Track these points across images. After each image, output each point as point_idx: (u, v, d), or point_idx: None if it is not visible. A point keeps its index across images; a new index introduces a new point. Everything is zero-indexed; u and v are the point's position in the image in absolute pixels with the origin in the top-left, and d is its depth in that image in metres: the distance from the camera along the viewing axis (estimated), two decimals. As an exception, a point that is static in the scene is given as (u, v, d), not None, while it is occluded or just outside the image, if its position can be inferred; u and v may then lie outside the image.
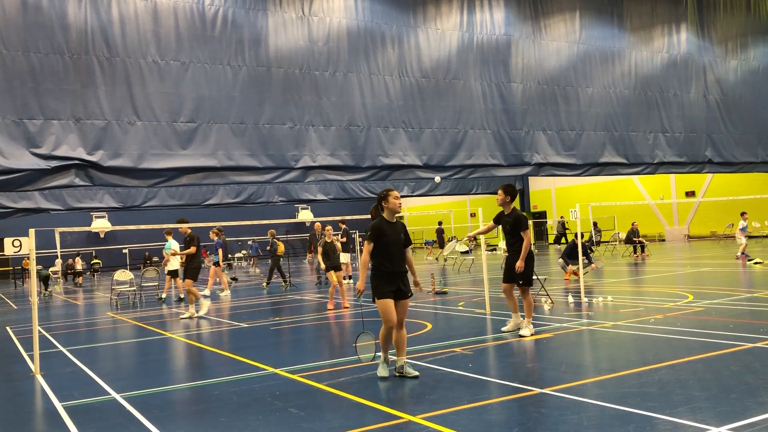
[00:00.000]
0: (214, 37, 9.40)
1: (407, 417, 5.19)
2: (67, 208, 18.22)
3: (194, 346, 9.88)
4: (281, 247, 19.89)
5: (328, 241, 13.27)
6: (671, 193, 34.62)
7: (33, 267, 8.60)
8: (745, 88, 14.40)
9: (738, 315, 9.34)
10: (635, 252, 24.20)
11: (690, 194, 33.42)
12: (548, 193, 41.95)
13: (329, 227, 13.49)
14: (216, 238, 17.84)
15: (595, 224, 29.25)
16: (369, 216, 6.89)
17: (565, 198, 39.84)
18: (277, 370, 7.31)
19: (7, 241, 8.21)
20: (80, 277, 29.56)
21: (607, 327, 8.98)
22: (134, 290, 17.77)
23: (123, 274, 17.92)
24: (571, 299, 11.85)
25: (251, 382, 6.89)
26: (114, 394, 6.64)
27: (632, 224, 25.07)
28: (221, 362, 8.49)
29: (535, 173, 12.24)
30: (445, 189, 22.58)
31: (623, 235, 27.49)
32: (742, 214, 20.94)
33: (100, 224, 35.57)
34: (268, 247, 20.01)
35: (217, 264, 17.67)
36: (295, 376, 7.01)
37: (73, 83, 8.40)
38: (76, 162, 8.38)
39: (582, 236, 13.15)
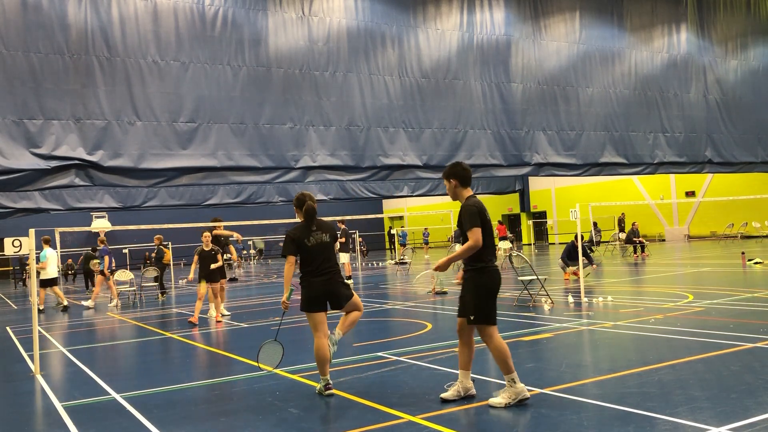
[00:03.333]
0: (214, 37, 9.41)
1: (407, 417, 5.19)
2: (67, 208, 18.24)
3: (194, 346, 9.88)
4: (168, 255, 18.48)
5: (206, 249, 12.20)
6: (671, 193, 34.61)
7: (33, 267, 8.60)
8: (745, 88, 14.41)
9: (738, 315, 9.34)
10: (635, 252, 24.20)
11: (690, 194, 33.41)
12: (548, 193, 41.94)
13: (207, 234, 12.41)
14: (102, 246, 17.50)
15: (595, 224, 29.25)
16: (368, 216, 6.79)
17: (565, 198, 39.83)
18: (277, 370, 7.31)
19: (7, 241, 8.20)
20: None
21: (607, 327, 8.97)
22: (134, 290, 17.77)
23: (123, 274, 17.91)
24: (571, 299, 11.85)
25: (251, 382, 6.89)
26: (114, 394, 6.64)
27: (632, 224, 25.07)
28: (221, 362, 8.48)
29: (535, 173, 12.25)
30: (445, 189, 22.60)
31: (623, 235, 27.49)
32: None
33: (100, 224, 35.60)
34: (154, 254, 18.50)
35: (103, 273, 17.11)
36: (295, 376, 7.00)
37: (73, 83, 8.41)
38: (76, 162, 8.39)
39: (582, 237, 13.15)
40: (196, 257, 12.44)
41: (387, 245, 48.61)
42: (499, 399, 5.28)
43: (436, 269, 5.61)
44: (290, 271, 6.12)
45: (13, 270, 33.94)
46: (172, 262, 25.12)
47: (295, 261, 6.19)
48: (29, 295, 12.32)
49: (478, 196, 5.67)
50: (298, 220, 6.31)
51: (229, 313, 12.97)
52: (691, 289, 12.70)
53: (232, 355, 8.81)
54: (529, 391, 5.67)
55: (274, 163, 9.74)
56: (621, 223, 31.29)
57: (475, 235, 5.28)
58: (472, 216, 5.36)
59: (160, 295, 17.79)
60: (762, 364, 6.22)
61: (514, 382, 5.26)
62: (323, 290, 6.09)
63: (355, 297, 6.32)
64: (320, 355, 6.05)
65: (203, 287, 12.12)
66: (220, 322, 12.12)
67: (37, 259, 16.49)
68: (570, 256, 15.60)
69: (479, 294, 5.33)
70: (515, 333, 8.78)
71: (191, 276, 12.55)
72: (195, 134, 9.19)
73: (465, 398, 5.59)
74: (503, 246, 24.60)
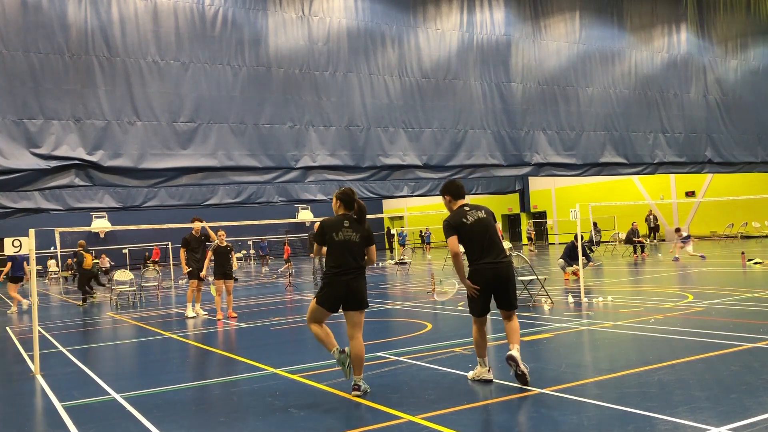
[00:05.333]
0: (214, 37, 9.40)
1: (407, 417, 5.19)
2: (67, 208, 18.21)
3: (194, 346, 9.88)
4: (88, 260, 17.90)
5: (222, 245, 12.46)
6: (671, 193, 34.62)
7: (33, 267, 8.60)
8: (745, 88, 14.40)
9: (738, 315, 9.34)
10: (635, 252, 24.21)
11: (690, 194, 33.41)
12: (548, 193, 41.93)
13: (222, 232, 12.57)
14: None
15: (594, 224, 29.24)
16: (368, 216, 6.68)
17: (565, 198, 39.83)
18: (277, 370, 7.31)
19: (7, 241, 8.18)
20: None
21: (607, 327, 8.98)
22: (134, 290, 17.77)
23: (123, 274, 17.92)
24: (571, 299, 11.85)
25: (251, 382, 6.89)
26: (114, 394, 6.64)
27: (632, 224, 25.07)
28: (221, 362, 8.49)
29: (535, 173, 12.24)
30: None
31: (623, 235, 27.49)
32: (677, 230, 22.29)
33: (100, 224, 35.56)
34: (74, 259, 17.89)
35: (10, 280, 16.86)
36: (295, 376, 7.01)
37: (73, 83, 8.40)
38: (76, 162, 8.39)
39: (582, 237, 13.14)
40: (209, 253, 12.56)
41: (386, 245, 48.62)
42: (470, 373, 6.35)
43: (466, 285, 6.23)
44: (318, 255, 6.21)
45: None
46: (173, 262, 25.10)
47: (319, 251, 6.14)
48: (29, 295, 12.31)
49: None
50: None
51: (205, 313, 13.02)
52: (691, 289, 12.70)
53: (232, 355, 8.81)
54: (529, 391, 5.70)
55: (274, 163, 9.73)
56: (650, 221, 31.54)
57: (449, 245, 6.15)
58: (444, 230, 6.21)
59: (81, 302, 17.39)
60: (762, 364, 6.22)
61: (480, 366, 6.21)
62: (345, 290, 5.97)
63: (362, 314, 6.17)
64: (320, 338, 6.11)
65: (219, 283, 12.43)
66: (193, 318, 12.68)
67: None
68: (571, 255, 15.60)
69: (467, 291, 6.20)
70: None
71: (204, 272, 12.89)
72: (195, 134, 9.18)
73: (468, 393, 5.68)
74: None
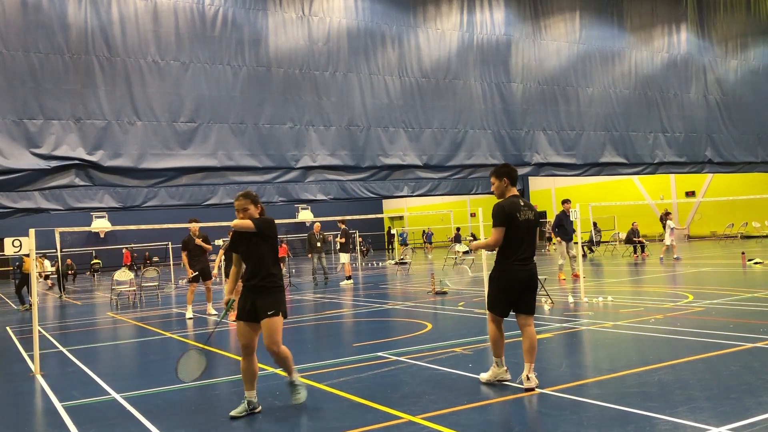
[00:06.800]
0: (214, 37, 9.41)
1: (407, 417, 5.19)
2: (67, 208, 18.18)
3: (194, 346, 9.87)
4: (27, 263, 17.26)
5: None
6: (671, 193, 34.62)
7: (33, 267, 8.60)
8: (745, 88, 14.41)
9: (738, 315, 9.34)
10: (635, 252, 24.21)
11: (690, 194, 33.41)
12: (548, 193, 41.95)
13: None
14: None
15: (594, 224, 29.24)
16: (368, 216, 6.65)
17: (565, 198, 39.86)
18: (277, 371, 7.31)
19: (7, 241, 8.16)
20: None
21: (607, 327, 8.97)
22: (134, 290, 17.77)
23: (123, 274, 17.92)
24: (571, 299, 11.85)
25: (251, 382, 6.88)
26: (114, 394, 6.64)
27: (632, 224, 25.08)
28: (221, 362, 8.48)
29: (535, 173, 12.24)
30: (445, 189, 22.56)
31: (623, 235, 27.49)
32: (668, 213, 21.78)
33: (100, 224, 35.56)
34: (16, 263, 17.81)
35: None
36: (295, 376, 6.99)
37: (73, 83, 8.41)
38: (76, 162, 8.39)
39: (565, 210, 13.13)
40: (221, 252, 12.49)
41: (386, 245, 48.61)
42: (484, 374, 6.14)
43: (473, 247, 6.41)
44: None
45: (13, 270, 33.94)
46: (173, 263, 25.07)
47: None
48: (29, 295, 12.33)
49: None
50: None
51: (215, 312, 13.04)
52: (691, 289, 12.70)
53: (232, 355, 8.81)
54: (528, 391, 5.70)
55: (274, 163, 9.74)
56: (663, 219, 31.38)
57: (493, 235, 5.89)
58: (496, 216, 5.87)
59: (21, 306, 17.24)
60: (762, 364, 6.22)
61: (497, 366, 6.06)
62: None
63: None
64: (291, 362, 5.88)
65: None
66: (191, 318, 12.67)
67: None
68: (560, 229, 15.66)
69: (491, 288, 6.10)
70: (516, 333, 8.78)
71: (215, 271, 12.92)
72: (195, 134, 9.19)
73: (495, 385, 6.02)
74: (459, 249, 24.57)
